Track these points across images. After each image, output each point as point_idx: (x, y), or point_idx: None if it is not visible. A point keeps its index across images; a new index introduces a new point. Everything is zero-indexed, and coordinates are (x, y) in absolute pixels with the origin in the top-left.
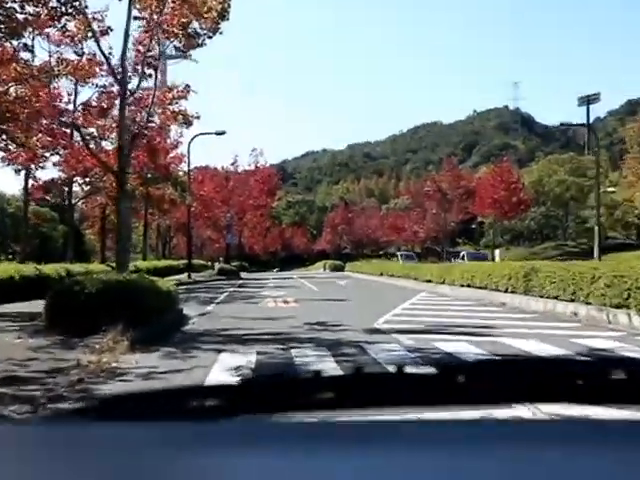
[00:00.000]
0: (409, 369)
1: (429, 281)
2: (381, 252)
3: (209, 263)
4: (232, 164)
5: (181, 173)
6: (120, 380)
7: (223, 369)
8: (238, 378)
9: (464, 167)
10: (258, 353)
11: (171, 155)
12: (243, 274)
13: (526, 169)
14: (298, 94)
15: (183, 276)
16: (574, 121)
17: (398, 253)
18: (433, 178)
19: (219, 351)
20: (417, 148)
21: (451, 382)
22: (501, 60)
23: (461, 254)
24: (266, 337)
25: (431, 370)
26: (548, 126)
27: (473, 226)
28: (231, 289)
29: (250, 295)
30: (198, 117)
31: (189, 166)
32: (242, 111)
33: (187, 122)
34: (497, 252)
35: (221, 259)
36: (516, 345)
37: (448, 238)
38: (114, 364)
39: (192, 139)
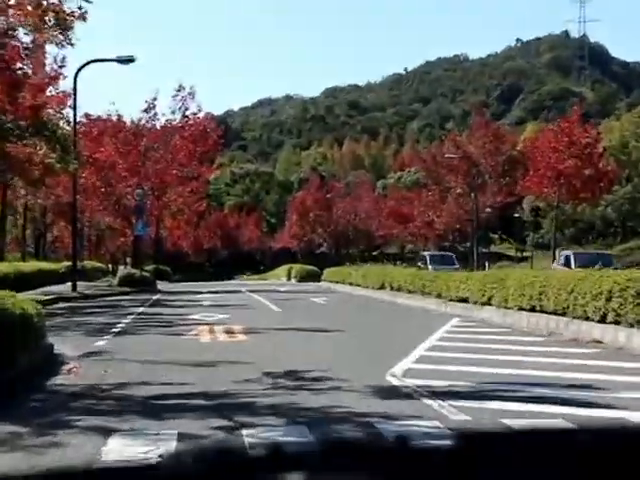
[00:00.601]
0: (413, 442)
1: (463, 300)
2: (375, 252)
3: (110, 267)
4: (146, 111)
5: (64, 124)
6: None
7: None
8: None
9: (501, 125)
10: (180, 437)
11: (48, 94)
12: (162, 284)
13: (599, 128)
14: (248, 12)
15: (66, 287)
16: None
17: (425, 254)
18: (455, 139)
19: (108, 432)
20: (429, 96)
21: (471, 458)
22: None
23: (562, 255)
24: (196, 403)
25: (444, 441)
26: (631, 63)
27: (516, 214)
28: (141, 309)
29: (172, 320)
30: (83, 17)
31: (75, 112)
32: (164, 37)
33: (63, 26)
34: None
35: (129, 261)
36: None
37: (481, 232)
38: None
39: (80, 68)
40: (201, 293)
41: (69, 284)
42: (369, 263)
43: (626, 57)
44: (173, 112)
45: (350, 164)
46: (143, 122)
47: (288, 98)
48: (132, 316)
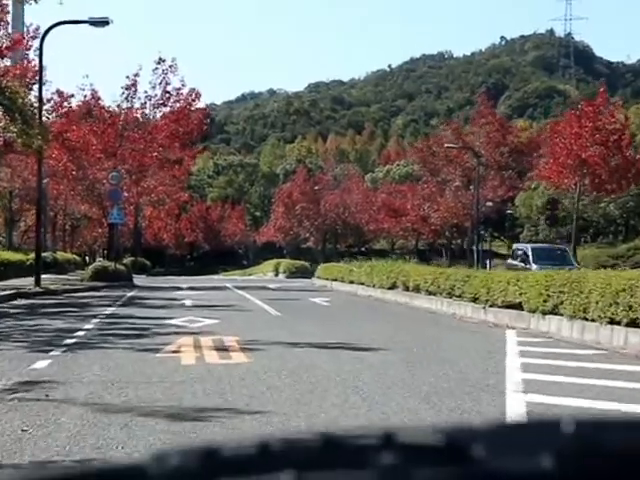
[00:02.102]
0: (403, 437)
1: (513, 306)
2: (364, 248)
3: (87, 259)
4: (127, 88)
5: (26, 94)
6: None
7: None
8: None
9: None
10: None
11: (10, 62)
12: (140, 278)
13: None
14: (231, 7)
15: (30, 281)
16: None
17: (527, 246)
18: (457, 127)
19: None
20: (414, 92)
21: (464, 456)
22: None
23: None
24: None
25: (435, 438)
26: (615, 63)
27: (509, 211)
28: (111, 309)
29: (146, 326)
30: None
31: (41, 81)
32: (146, 31)
33: None
34: None
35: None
36: None
37: (482, 227)
38: None
39: (47, 31)
40: (182, 289)
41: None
42: (372, 259)
43: (610, 57)
44: (153, 87)
45: (335, 158)
46: (122, 99)
47: (272, 92)
48: (97, 319)
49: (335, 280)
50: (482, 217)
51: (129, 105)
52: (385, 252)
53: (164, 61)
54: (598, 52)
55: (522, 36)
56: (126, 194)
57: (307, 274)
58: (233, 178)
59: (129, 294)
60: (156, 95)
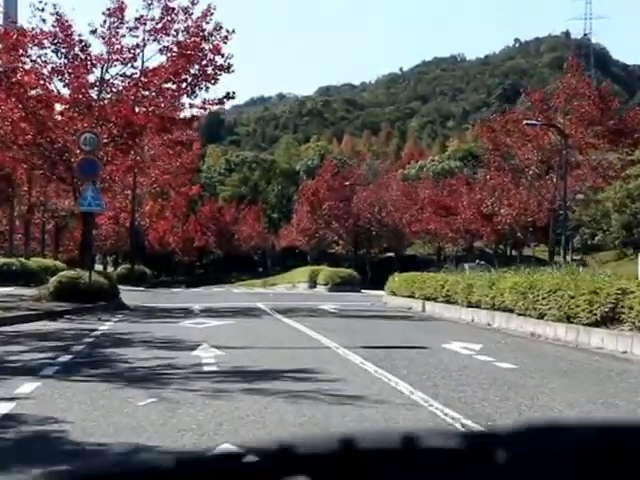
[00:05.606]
0: (426, 440)
1: None
2: (395, 253)
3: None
4: (111, 15)
5: None
6: None
7: None
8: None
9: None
10: None
11: None
12: (135, 294)
13: None
14: (239, 12)
15: None
16: None
17: None
18: (540, 99)
19: None
20: (428, 94)
21: (488, 460)
22: None
23: None
24: None
25: (457, 441)
26: (631, 66)
27: (561, 211)
28: (47, 371)
29: None
30: None
31: None
32: None
33: None
34: None
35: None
36: None
37: (567, 226)
38: None
39: None
40: (194, 314)
41: None
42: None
43: (626, 59)
44: (149, 5)
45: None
46: (104, 29)
47: (281, 97)
48: None
49: (430, 299)
50: (567, 214)
51: (110, 34)
52: (415, 259)
53: None
54: (614, 55)
55: (537, 38)
56: (118, 179)
57: (353, 285)
58: (248, 175)
59: (102, 328)
60: (153, 19)
